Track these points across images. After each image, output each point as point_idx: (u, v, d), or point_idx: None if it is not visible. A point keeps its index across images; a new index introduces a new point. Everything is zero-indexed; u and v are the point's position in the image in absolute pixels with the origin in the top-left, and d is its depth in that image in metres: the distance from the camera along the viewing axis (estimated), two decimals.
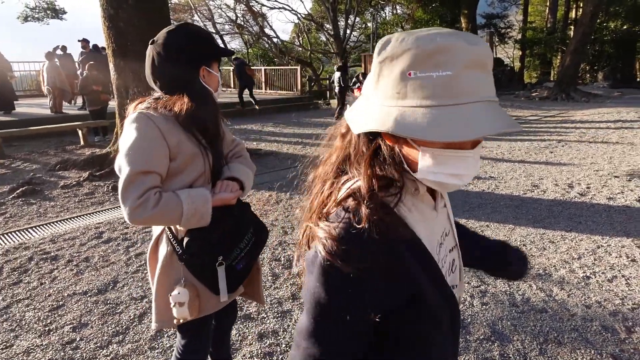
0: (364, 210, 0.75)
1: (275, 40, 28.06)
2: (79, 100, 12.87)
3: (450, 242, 0.96)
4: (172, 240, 1.56)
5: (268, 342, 2.60)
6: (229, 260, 1.60)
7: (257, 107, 13.65)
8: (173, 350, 2.51)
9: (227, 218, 1.59)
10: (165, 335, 2.67)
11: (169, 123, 1.47)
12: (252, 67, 15.97)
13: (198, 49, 1.55)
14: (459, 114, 0.68)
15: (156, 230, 1.62)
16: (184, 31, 1.54)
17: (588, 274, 3.34)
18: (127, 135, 1.44)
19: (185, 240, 1.52)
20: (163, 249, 1.58)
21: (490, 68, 0.74)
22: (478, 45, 0.70)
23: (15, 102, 11.58)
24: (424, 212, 0.86)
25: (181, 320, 1.56)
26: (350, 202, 0.79)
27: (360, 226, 0.74)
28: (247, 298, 1.96)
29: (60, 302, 3.08)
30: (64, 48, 13.36)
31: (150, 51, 1.54)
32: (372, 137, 0.82)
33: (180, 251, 1.53)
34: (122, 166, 1.41)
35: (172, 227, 1.55)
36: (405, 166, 0.79)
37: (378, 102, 0.76)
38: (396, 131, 0.70)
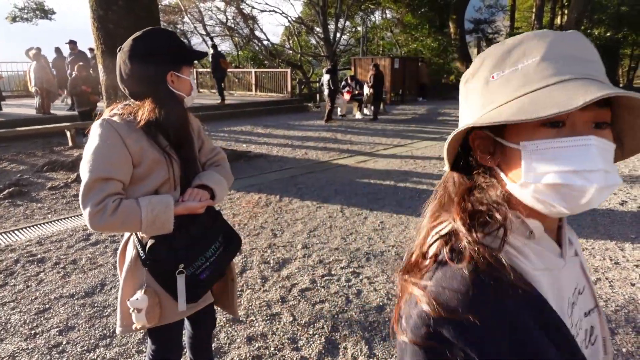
0: (464, 247, 0.61)
1: (265, 42, 28.09)
2: (69, 100, 12.76)
3: (588, 304, 0.75)
4: (137, 244, 1.55)
5: (257, 346, 2.61)
6: (192, 268, 1.56)
7: (223, 102, 14.06)
8: None
9: (194, 225, 1.58)
10: None
11: (132, 129, 1.47)
12: (227, 60, 16.04)
13: (163, 55, 1.54)
14: (557, 89, 0.57)
15: (126, 233, 1.62)
16: (149, 37, 1.54)
17: None
18: (90, 141, 1.46)
19: (149, 244, 1.51)
20: (130, 252, 1.59)
21: (586, 55, 0.63)
22: (549, 37, 0.62)
23: (2, 102, 11.43)
24: (546, 260, 0.66)
25: (139, 327, 1.54)
26: (441, 249, 0.65)
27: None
28: (221, 308, 1.94)
29: (47, 305, 3.05)
30: (57, 50, 13.23)
31: (118, 59, 1.54)
32: (467, 173, 0.71)
33: (144, 256, 1.52)
34: (82, 173, 1.42)
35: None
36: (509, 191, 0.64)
37: (465, 121, 0.67)
38: (484, 121, 0.60)
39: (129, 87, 1.55)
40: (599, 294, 3.13)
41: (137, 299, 1.49)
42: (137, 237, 1.55)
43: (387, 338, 2.65)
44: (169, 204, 1.48)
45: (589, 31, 25.60)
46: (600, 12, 24.85)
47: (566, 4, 27.37)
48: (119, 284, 1.60)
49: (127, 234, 1.62)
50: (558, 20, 28.87)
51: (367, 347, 2.58)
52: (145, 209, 1.44)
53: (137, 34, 1.55)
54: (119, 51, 1.54)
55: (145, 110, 1.49)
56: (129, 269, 1.57)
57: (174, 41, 1.59)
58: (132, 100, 1.58)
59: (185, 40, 32.93)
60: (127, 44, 1.53)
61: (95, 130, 1.46)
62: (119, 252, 1.65)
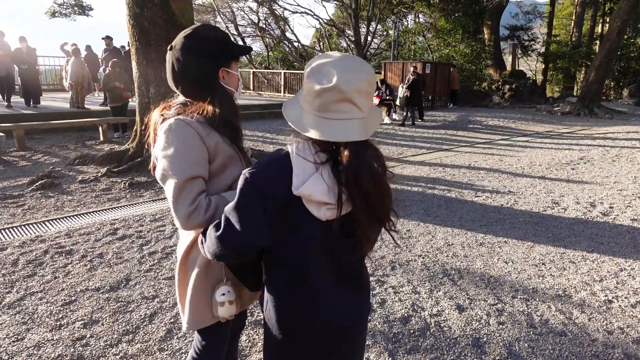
0: None
1: (296, 44, 28.20)
2: (102, 95, 13.07)
3: None
4: None
5: None
6: None
7: None
8: (182, 352, 2.48)
9: None
10: (175, 337, 2.65)
11: (205, 127, 1.47)
12: None
13: (215, 51, 1.53)
14: None
15: (188, 236, 1.58)
16: (200, 34, 1.53)
17: (610, 298, 3.23)
18: (169, 142, 1.43)
19: None
20: (199, 253, 1.54)
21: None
22: None
23: (40, 95, 11.81)
24: None
25: (227, 317, 1.57)
26: None
27: None
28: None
29: (73, 297, 3.08)
30: (88, 48, 13.60)
31: (169, 57, 1.53)
32: None
33: None
34: (168, 175, 1.41)
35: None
36: None
37: None
38: None
39: (183, 84, 1.54)
40: (639, 318, 2.96)
41: (228, 292, 1.53)
42: None
43: (412, 351, 2.57)
44: None
45: (632, 40, 24.75)
46: None
47: (608, 12, 26.50)
48: (187, 285, 1.58)
49: (189, 239, 1.58)
50: (599, 29, 28.00)
51: (390, 359, 2.50)
52: None
53: (187, 31, 1.54)
54: (170, 49, 1.53)
55: (210, 107, 1.49)
56: (202, 269, 1.56)
57: (222, 37, 1.58)
58: (182, 97, 1.58)
59: None
60: (179, 41, 1.52)
61: (171, 131, 1.44)
62: (182, 253, 1.59)
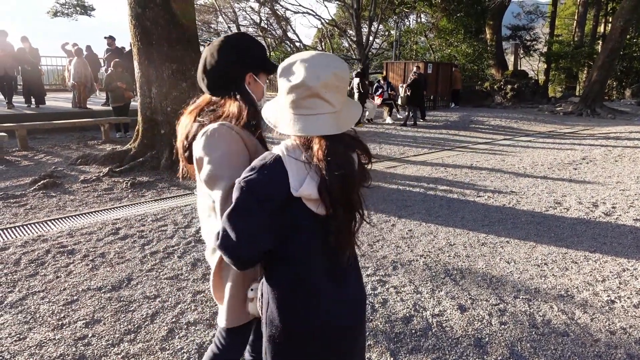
0: None
1: (297, 44, 28.19)
2: (103, 95, 13.10)
3: None
4: None
5: None
6: None
7: None
8: (184, 352, 2.48)
9: None
10: (177, 337, 2.65)
11: (245, 131, 1.53)
12: None
13: (247, 55, 1.59)
14: None
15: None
16: (238, 37, 1.62)
17: (613, 298, 3.22)
18: (215, 147, 1.47)
19: None
20: None
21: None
22: None
23: (45, 95, 11.82)
24: None
25: (255, 315, 1.58)
26: None
27: None
28: None
29: (75, 297, 3.09)
30: (88, 48, 13.62)
31: (204, 51, 1.60)
32: None
33: None
34: (217, 179, 1.46)
35: None
36: None
37: None
38: None
39: (209, 78, 1.59)
40: None
41: (257, 288, 1.54)
42: None
43: (413, 351, 2.56)
44: None
45: (634, 40, 24.67)
46: None
47: (611, 11, 26.42)
48: (224, 284, 1.61)
49: None
50: (601, 29, 27.93)
51: (392, 359, 2.49)
52: None
53: (229, 34, 1.65)
54: (208, 44, 1.60)
55: (238, 111, 1.54)
56: None
57: (259, 47, 1.65)
58: (204, 98, 1.64)
59: None
60: (218, 39, 1.60)
61: (217, 136, 1.48)
62: (217, 259, 1.58)
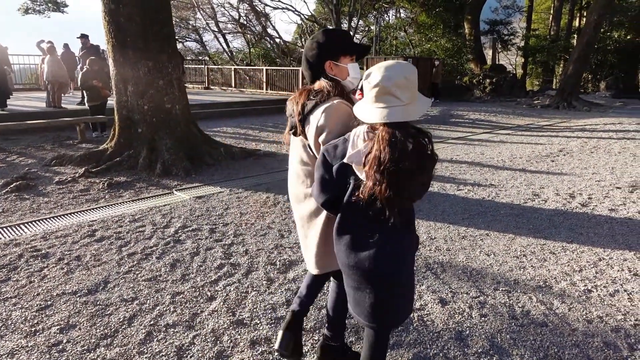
0: None
1: (277, 40, 28.03)
2: (78, 93, 12.80)
3: None
4: None
5: (260, 350, 2.53)
6: None
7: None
8: (162, 355, 2.44)
9: None
10: (155, 340, 2.60)
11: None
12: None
13: (325, 46, 1.97)
14: None
15: None
16: (326, 32, 2.03)
17: (589, 288, 3.27)
18: (339, 118, 1.86)
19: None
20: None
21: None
22: None
23: (8, 98, 11.21)
24: None
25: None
26: None
27: None
28: None
29: (49, 302, 3.00)
30: (66, 46, 13.31)
31: (307, 43, 2.07)
32: None
33: None
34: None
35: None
36: None
37: None
38: None
39: (304, 68, 2.08)
40: (617, 307, 3.00)
41: None
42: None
43: (395, 346, 2.56)
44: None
45: (608, 34, 25.18)
46: (620, 14, 24.39)
47: (585, 5, 26.91)
48: (315, 233, 2.03)
49: None
50: (576, 23, 28.43)
51: None
52: None
53: (316, 32, 2.10)
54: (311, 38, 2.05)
55: (330, 90, 1.95)
56: (329, 217, 1.94)
57: (339, 35, 2.08)
58: (309, 80, 2.09)
59: (197, 37, 33.00)
60: (315, 34, 2.06)
61: (342, 108, 1.88)
62: (310, 209, 2.03)
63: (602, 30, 21.29)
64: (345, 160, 1.62)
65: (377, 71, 1.59)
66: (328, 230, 1.93)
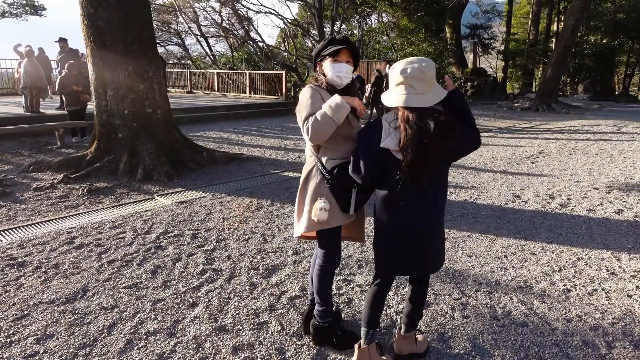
0: None
1: (260, 44, 27.97)
2: (57, 98, 12.56)
3: None
4: (322, 170, 2.30)
5: (243, 356, 2.50)
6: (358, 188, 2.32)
7: None
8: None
9: None
10: (135, 348, 2.55)
11: (323, 90, 2.38)
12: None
13: (315, 52, 2.46)
14: None
15: (309, 165, 2.43)
16: (323, 41, 2.46)
17: (569, 287, 3.32)
18: (303, 95, 2.33)
19: (335, 170, 2.27)
20: (315, 176, 2.35)
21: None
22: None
23: None
24: None
25: (318, 221, 2.25)
26: None
27: None
28: (350, 240, 2.79)
29: (25, 312, 2.93)
30: (40, 49, 13.07)
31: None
32: None
33: (329, 177, 2.27)
34: (300, 113, 2.31)
35: (323, 162, 2.31)
36: None
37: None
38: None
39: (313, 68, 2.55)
40: (595, 306, 3.06)
41: (324, 202, 2.24)
42: (323, 165, 2.30)
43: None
44: (335, 96, 2.24)
45: (585, 38, 25.75)
46: (596, 19, 24.98)
47: (563, 10, 27.49)
48: (304, 200, 2.40)
49: (308, 167, 2.42)
50: (554, 27, 29.02)
51: None
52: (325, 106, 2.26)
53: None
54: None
55: (319, 81, 2.47)
56: (315, 188, 2.33)
57: (323, 46, 2.42)
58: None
59: (179, 41, 32.73)
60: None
61: (305, 90, 2.36)
62: (302, 178, 2.44)
63: (579, 34, 21.78)
64: (382, 145, 2.00)
65: (399, 65, 1.99)
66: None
